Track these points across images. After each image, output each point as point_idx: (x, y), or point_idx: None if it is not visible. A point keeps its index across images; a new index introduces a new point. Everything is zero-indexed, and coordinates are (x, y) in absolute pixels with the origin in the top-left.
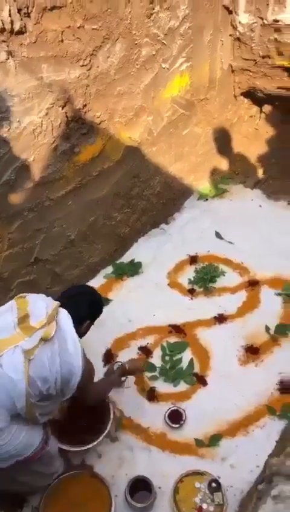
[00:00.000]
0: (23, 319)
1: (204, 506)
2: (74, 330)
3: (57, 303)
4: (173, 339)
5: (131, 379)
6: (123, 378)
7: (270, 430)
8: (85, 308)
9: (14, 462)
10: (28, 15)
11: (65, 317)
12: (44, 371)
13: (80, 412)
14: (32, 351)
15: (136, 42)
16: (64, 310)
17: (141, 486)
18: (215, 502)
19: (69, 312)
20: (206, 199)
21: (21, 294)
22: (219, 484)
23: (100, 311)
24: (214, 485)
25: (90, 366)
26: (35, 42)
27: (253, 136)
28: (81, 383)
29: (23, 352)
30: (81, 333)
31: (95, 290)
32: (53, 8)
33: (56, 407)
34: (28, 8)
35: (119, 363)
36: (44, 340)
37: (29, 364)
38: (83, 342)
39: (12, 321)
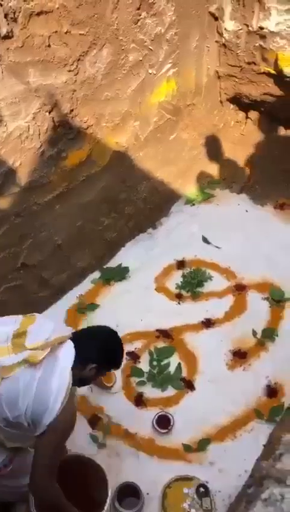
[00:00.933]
0: (19, 335)
1: (192, 511)
2: (69, 366)
3: (68, 334)
4: (160, 344)
5: (119, 384)
6: (110, 384)
7: (258, 434)
8: (93, 349)
9: None
10: (14, 20)
11: (67, 350)
12: (14, 395)
13: (70, 487)
14: (10, 369)
15: (123, 48)
16: (72, 343)
17: (129, 493)
18: (204, 507)
19: (76, 349)
20: (193, 204)
21: (33, 314)
22: (207, 489)
23: (113, 359)
24: (202, 490)
25: (71, 418)
26: (22, 47)
27: (239, 142)
28: (57, 425)
29: (1, 367)
30: (83, 378)
31: (114, 334)
32: (40, 13)
33: (28, 437)
34: (14, 13)
35: None
36: (27, 362)
37: (1, 382)
38: None
39: (7, 333)
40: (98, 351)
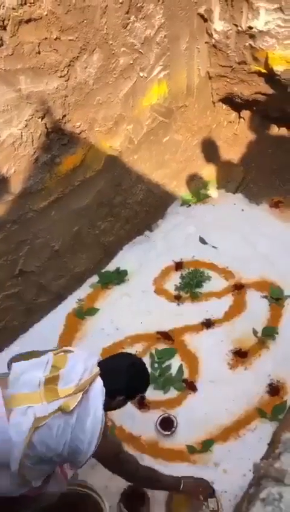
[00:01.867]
0: (51, 380)
1: None
2: (100, 406)
3: (96, 371)
4: (161, 346)
5: None
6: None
7: (261, 433)
8: (122, 384)
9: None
10: (4, 28)
11: (98, 389)
12: (50, 440)
13: None
14: (44, 419)
15: (113, 52)
16: (101, 381)
17: (134, 496)
18: (210, 508)
19: (104, 382)
20: (189, 205)
21: (65, 349)
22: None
23: (140, 390)
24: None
25: (112, 444)
26: (12, 54)
27: (232, 141)
28: (100, 459)
29: (34, 418)
30: (110, 408)
31: (140, 363)
32: (29, 20)
33: (53, 468)
34: (3, 21)
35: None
36: (61, 411)
37: (34, 431)
38: None
39: (39, 378)
40: (127, 385)
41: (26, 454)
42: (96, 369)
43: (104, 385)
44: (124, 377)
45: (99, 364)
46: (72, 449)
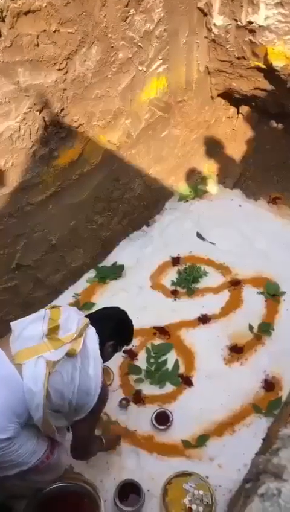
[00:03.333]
0: (52, 330)
1: (193, 507)
2: (98, 351)
3: (87, 319)
4: (157, 341)
5: (117, 382)
6: (108, 382)
7: (256, 428)
8: (111, 329)
9: (16, 472)
10: (2, 19)
11: (92, 336)
12: (62, 385)
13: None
14: (55, 364)
15: (112, 45)
16: (92, 327)
17: (129, 490)
18: (205, 502)
19: (96, 330)
20: (187, 200)
21: (55, 304)
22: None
23: (127, 335)
24: None
25: (106, 390)
26: (10, 46)
27: (231, 137)
28: (96, 406)
29: (46, 365)
30: (104, 355)
31: (125, 313)
32: (28, 12)
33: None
34: (2, 13)
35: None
36: (69, 355)
37: (49, 377)
38: None
39: (41, 330)
40: (115, 331)
41: (46, 404)
42: (87, 319)
43: (96, 333)
44: (112, 323)
45: (88, 316)
46: (81, 394)
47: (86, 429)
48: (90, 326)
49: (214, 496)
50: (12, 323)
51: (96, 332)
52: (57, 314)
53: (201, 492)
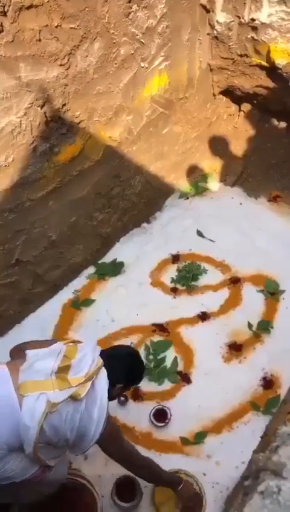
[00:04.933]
0: (63, 369)
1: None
2: (106, 394)
3: (100, 361)
4: (156, 338)
5: None
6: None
7: (254, 426)
8: (122, 372)
9: (8, 483)
10: (4, 14)
11: (103, 379)
12: (59, 423)
13: None
14: (57, 405)
15: (114, 41)
16: (105, 371)
17: (127, 486)
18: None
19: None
20: (187, 198)
21: (74, 339)
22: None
23: (137, 379)
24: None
25: (112, 428)
26: (12, 41)
27: (232, 135)
28: (101, 443)
29: (47, 404)
30: (112, 396)
31: (137, 354)
32: (30, 6)
33: (65, 452)
34: (4, 7)
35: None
36: (72, 398)
37: (46, 417)
38: None
39: (51, 367)
40: (126, 374)
41: (37, 440)
42: (101, 361)
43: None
44: (123, 366)
45: (102, 353)
46: (80, 434)
47: (109, 447)
48: (103, 369)
49: (202, 487)
50: (28, 352)
51: (108, 374)
52: (72, 353)
53: None
